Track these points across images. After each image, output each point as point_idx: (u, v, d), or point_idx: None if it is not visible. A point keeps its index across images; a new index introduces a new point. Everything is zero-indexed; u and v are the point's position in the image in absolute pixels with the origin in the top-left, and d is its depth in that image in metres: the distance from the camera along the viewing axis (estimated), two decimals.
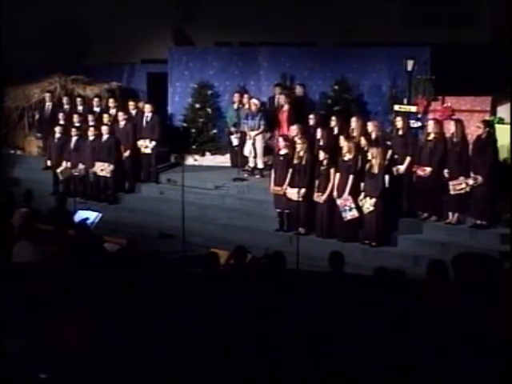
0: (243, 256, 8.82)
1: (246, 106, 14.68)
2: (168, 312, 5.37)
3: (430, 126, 12.02)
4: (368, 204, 11.60)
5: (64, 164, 14.79)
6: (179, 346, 5.08)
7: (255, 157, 14.46)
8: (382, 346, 4.89)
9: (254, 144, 14.36)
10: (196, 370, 4.90)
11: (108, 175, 14.34)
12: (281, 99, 14.43)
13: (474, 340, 4.75)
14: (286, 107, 14.24)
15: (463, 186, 11.48)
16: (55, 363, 5.06)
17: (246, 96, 14.86)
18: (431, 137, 11.95)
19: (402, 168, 12.02)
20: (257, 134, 14.28)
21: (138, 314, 5.32)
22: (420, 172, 11.88)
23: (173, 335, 5.16)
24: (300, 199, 12.07)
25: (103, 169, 14.34)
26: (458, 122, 11.84)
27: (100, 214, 11.25)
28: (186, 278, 7.07)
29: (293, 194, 12.19)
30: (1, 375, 5.00)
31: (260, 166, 14.49)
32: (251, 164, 14.51)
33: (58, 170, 14.79)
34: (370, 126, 12.38)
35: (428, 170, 11.80)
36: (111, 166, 14.31)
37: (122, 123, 14.65)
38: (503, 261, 7.86)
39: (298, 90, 14.75)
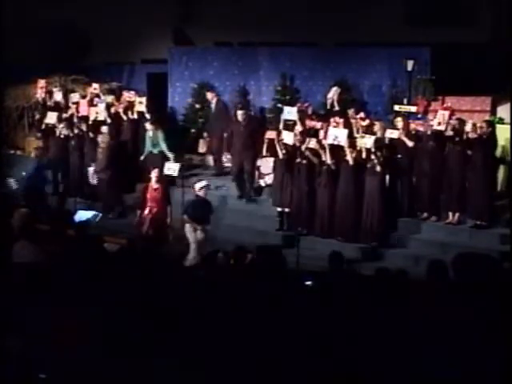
0: (243, 256, 8.82)
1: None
2: (167, 312, 5.38)
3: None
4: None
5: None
6: (179, 345, 5.09)
7: None
8: (382, 347, 4.90)
9: None
10: (196, 370, 4.91)
11: (107, 175, 14.31)
12: (152, 178, 12.26)
13: (474, 340, 4.76)
14: (155, 186, 12.29)
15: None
16: (55, 363, 5.06)
17: None
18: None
19: (401, 168, 12.04)
20: None
21: (138, 313, 5.33)
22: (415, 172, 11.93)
23: (173, 335, 5.18)
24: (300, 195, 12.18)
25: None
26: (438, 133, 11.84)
27: (100, 214, 11.27)
28: (186, 278, 7.09)
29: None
30: (1, 375, 5.01)
31: None
32: None
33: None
34: (377, 127, 12.36)
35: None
36: (112, 167, 14.31)
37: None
38: (503, 261, 7.86)
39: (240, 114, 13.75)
